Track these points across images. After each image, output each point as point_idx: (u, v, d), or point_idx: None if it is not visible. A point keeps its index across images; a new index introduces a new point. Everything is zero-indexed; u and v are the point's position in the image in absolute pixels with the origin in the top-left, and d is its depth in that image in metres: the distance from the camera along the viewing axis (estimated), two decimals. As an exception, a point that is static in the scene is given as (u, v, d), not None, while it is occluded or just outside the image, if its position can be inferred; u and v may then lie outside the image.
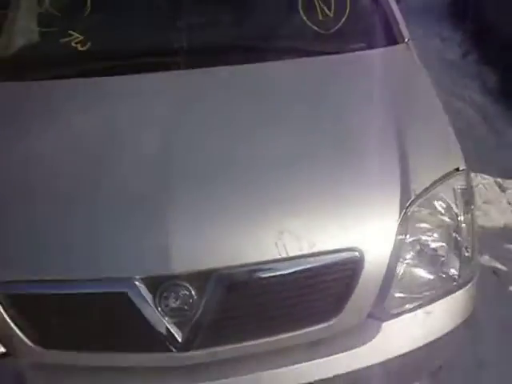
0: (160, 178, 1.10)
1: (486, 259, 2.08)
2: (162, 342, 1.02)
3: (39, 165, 1.18)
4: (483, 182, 2.55)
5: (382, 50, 1.48)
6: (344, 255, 1.05)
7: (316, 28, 1.51)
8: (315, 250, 1.03)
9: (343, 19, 1.52)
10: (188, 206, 1.05)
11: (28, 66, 1.51)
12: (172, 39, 1.52)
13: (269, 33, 1.53)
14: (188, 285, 1.00)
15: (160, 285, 1.00)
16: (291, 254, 1.02)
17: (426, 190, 1.13)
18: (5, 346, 1.09)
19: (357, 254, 1.05)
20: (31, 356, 1.08)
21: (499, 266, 2.05)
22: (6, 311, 1.05)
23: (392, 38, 1.50)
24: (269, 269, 1.02)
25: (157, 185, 1.09)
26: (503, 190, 2.50)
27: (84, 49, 1.49)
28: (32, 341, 1.06)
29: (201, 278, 1.00)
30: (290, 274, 1.03)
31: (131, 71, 1.41)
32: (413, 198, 1.11)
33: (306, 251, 1.03)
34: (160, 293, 1.00)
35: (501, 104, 3.29)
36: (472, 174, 2.53)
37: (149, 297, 1.00)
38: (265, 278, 1.02)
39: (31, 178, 1.16)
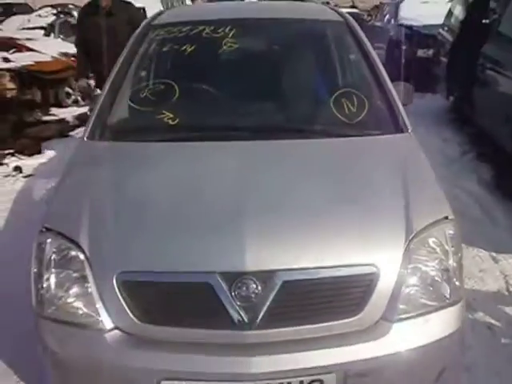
0: (239, 204, 1.57)
1: (481, 316, 2.42)
2: (233, 322, 1.41)
3: (151, 194, 1.68)
4: (479, 255, 2.96)
5: (391, 136, 2.02)
6: (366, 268, 1.47)
7: (343, 119, 2.07)
8: (346, 262, 1.46)
9: (363, 114, 2.09)
10: (259, 223, 1.51)
11: (133, 133, 2.08)
12: (236, 120, 2.10)
13: (310, 120, 2.12)
14: (255, 279, 1.42)
15: (235, 278, 1.42)
16: (329, 264, 1.45)
17: (424, 229, 1.57)
18: (114, 322, 1.48)
19: (375, 269, 1.47)
20: (134, 329, 1.47)
21: (493, 321, 2.39)
22: (120, 294, 1.46)
23: (399, 128, 2.04)
24: (313, 273, 1.44)
25: (238, 209, 1.55)
26: (496, 261, 2.90)
27: (174, 123, 2.06)
28: (137, 318, 1.45)
29: (265, 276, 1.42)
30: (326, 278, 1.45)
31: (208, 139, 1.95)
32: (414, 233, 1.55)
33: (339, 263, 1.46)
34: (234, 284, 1.41)
35: (495, 195, 3.80)
36: (470, 248, 2.99)
37: (226, 287, 1.41)
38: (309, 279, 1.44)
39: (148, 202, 1.64)
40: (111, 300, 1.48)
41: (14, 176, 5.10)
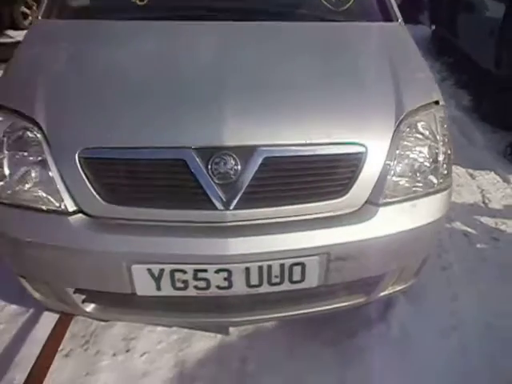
0: (218, 77, 1.41)
1: (458, 225, 2.43)
2: (210, 201, 1.29)
3: (116, 67, 1.49)
4: (456, 172, 2.94)
5: (380, 23, 1.87)
6: (354, 147, 1.36)
7: (330, 6, 1.89)
8: (333, 140, 1.34)
9: (351, 2, 1.91)
10: (239, 95, 1.36)
11: (95, 11, 1.85)
12: (213, 1, 1.87)
13: (293, 4, 1.92)
14: (234, 155, 1.29)
15: (212, 154, 1.28)
16: (315, 141, 1.33)
17: (414, 111, 1.47)
18: (77, 204, 1.34)
19: (363, 148, 1.37)
20: (100, 211, 1.33)
21: (469, 229, 2.39)
22: (84, 173, 1.31)
23: (388, 17, 1.89)
24: (296, 150, 1.32)
25: (216, 82, 1.39)
26: (473, 177, 2.89)
27: (142, 4, 1.82)
28: (102, 198, 1.32)
29: (244, 152, 1.29)
30: (311, 156, 1.33)
31: (182, 19, 1.72)
32: (404, 114, 1.45)
33: (326, 141, 1.34)
34: (211, 161, 1.28)
35: (472, 118, 3.77)
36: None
37: (202, 164, 1.28)
38: (293, 156, 1.32)
39: (113, 76, 1.46)
40: (74, 181, 1.33)
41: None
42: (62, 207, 1.34)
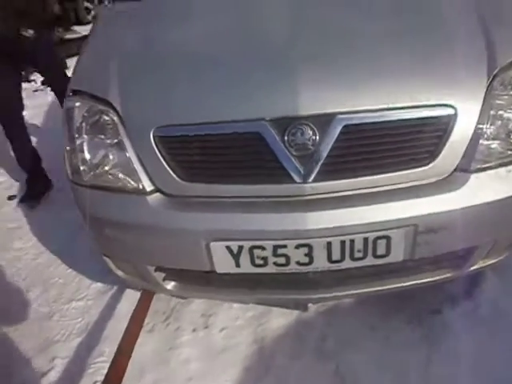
0: (290, 39, 1.34)
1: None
2: (288, 174, 1.24)
3: (186, 39, 1.46)
4: None
5: None
6: (442, 110, 1.25)
7: None
8: (419, 103, 1.23)
9: None
10: (316, 60, 1.28)
11: None
12: None
13: None
14: (312, 125, 1.22)
15: (288, 125, 1.23)
16: (399, 105, 1.23)
17: (509, 65, 1.31)
18: (154, 184, 1.35)
19: (452, 110, 1.25)
20: (177, 190, 1.33)
21: None
22: (159, 152, 1.31)
23: None
24: (378, 116, 1.23)
25: (288, 44, 1.32)
26: None
27: None
28: (178, 177, 1.31)
29: (323, 120, 1.22)
30: (394, 121, 1.23)
31: None
32: (497, 69, 1.30)
33: (411, 104, 1.23)
34: (288, 132, 1.23)
35: None
36: None
37: (278, 135, 1.23)
38: (376, 122, 1.23)
39: (184, 49, 1.43)
40: (150, 161, 1.34)
41: (42, 90, 5.06)
42: (140, 187, 1.36)
